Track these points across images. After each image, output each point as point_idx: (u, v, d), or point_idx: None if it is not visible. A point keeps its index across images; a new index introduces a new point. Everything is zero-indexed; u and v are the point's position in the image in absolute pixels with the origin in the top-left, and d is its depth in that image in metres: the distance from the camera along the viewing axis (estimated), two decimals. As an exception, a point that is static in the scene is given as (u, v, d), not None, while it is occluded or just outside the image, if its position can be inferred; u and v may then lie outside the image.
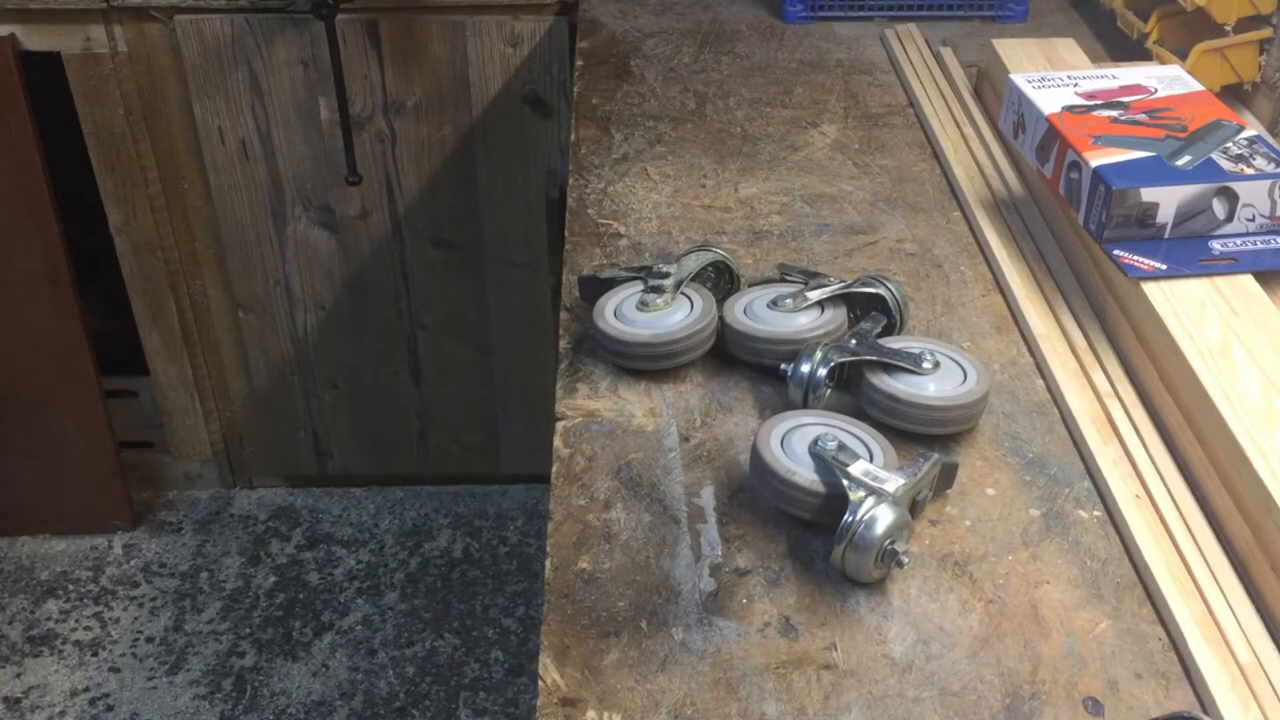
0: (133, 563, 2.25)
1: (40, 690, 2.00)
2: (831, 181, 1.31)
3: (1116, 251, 1.01)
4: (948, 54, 1.56)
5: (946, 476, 0.88)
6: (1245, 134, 1.09)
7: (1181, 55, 1.38)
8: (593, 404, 0.98)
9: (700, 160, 1.35)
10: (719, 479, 0.91)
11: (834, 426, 0.89)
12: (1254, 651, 0.76)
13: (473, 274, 2.13)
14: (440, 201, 2.05)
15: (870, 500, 0.79)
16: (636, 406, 0.98)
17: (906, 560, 0.79)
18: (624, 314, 1.01)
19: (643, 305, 1.01)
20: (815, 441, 0.85)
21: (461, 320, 2.18)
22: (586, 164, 1.34)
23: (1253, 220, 1.03)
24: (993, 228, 1.20)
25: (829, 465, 0.83)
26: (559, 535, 0.86)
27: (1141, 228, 1.03)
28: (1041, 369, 1.02)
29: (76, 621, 2.13)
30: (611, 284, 1.05)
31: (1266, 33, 1.35)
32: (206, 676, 2.02)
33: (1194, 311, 0.95)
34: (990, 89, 1.42)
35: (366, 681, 2.02)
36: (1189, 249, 1.02)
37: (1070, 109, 1.15)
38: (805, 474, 0.83)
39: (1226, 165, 1.04)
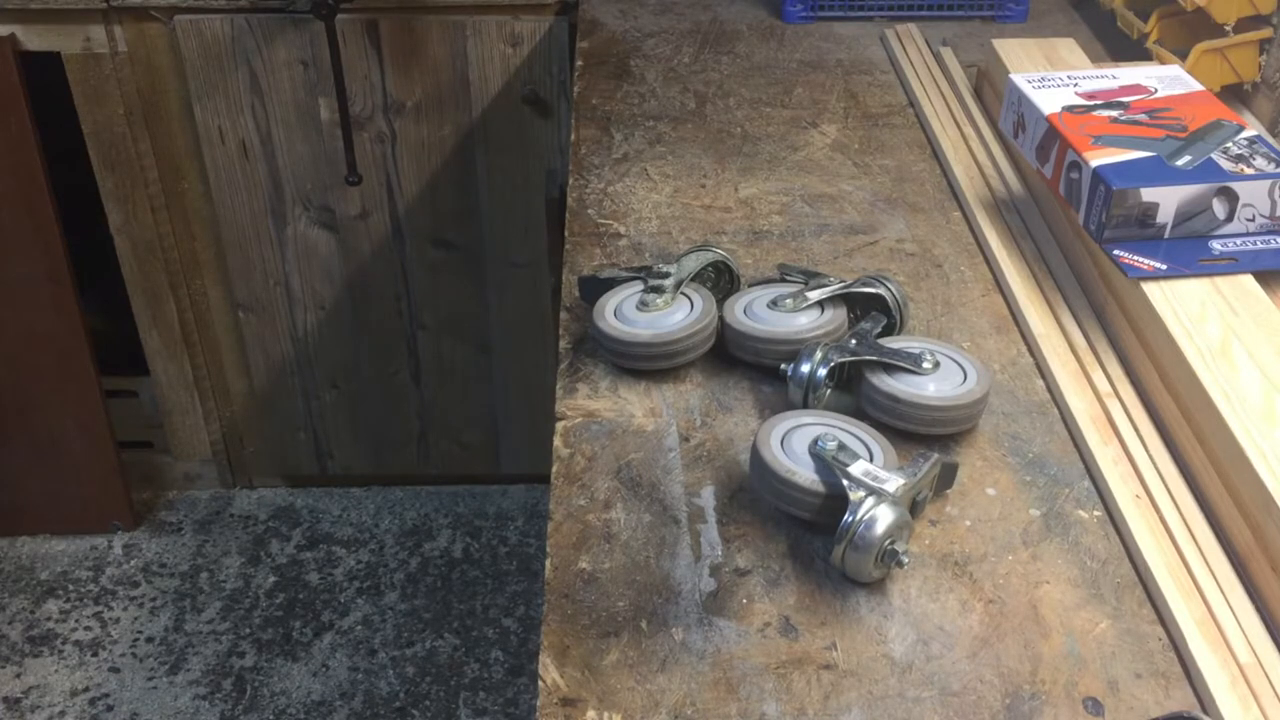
0: (133, 563, 2.25)
1: (40, 690, 2.00)
2: (831, 181, 1.31)
3: (1116, 251, 1.01)
4: (948, 54, 1.56)
5: (946, 476, 0.88)
6: (1245, 134, 1.09)
7: (1181, 55, 1.38)
8: (593, 404, 0.98)
9: (700, 160, 1.35)
10: (719, 479, 0.91)
11: (834, 426, 0.89)
12: (1254, 651, 0.76)
13: (473, 274, 2.13)
14: (440, 201, 2.05)
15: (870, 500, 0.79)
16: (636, 406, 0.98)
17: (906, 560, 0.79)
18: (624, 314, 1.01)
19: (643, 305, 1.01)
20: (815, 441, 0.85)
21: (461, 320, 2.18)
22: (586, 164, 1.34)
23: (1253, 220, 1.03)
24: (993, 228, 1.20)
25: (829, 465, 0.83)
26: (559, 535, 0.86)
27: (1141, 228, 1.03)
28: (1041, 369, 1.02)
29: (76, 621, 2.13)
30: (611, 284, 1.05)
31: (1266, 33, 1.35)
32: (206, 676, 2.02)
33: (1194, 311, 0.95)
34: (990, 89, 1.42)
35: (366, 681, 2.02)
36: (1189, 249, 1.02)
37: (1070, 109, 1.15)
38: (805, 474, 0.83)
39: (1226, 165, 1.04)
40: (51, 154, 1.92)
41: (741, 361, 1.01)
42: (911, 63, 1.55)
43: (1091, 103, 1.16)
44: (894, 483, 0.81)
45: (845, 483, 0.81)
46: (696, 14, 1.74)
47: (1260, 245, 1.02)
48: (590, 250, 1.18)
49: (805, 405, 0.93)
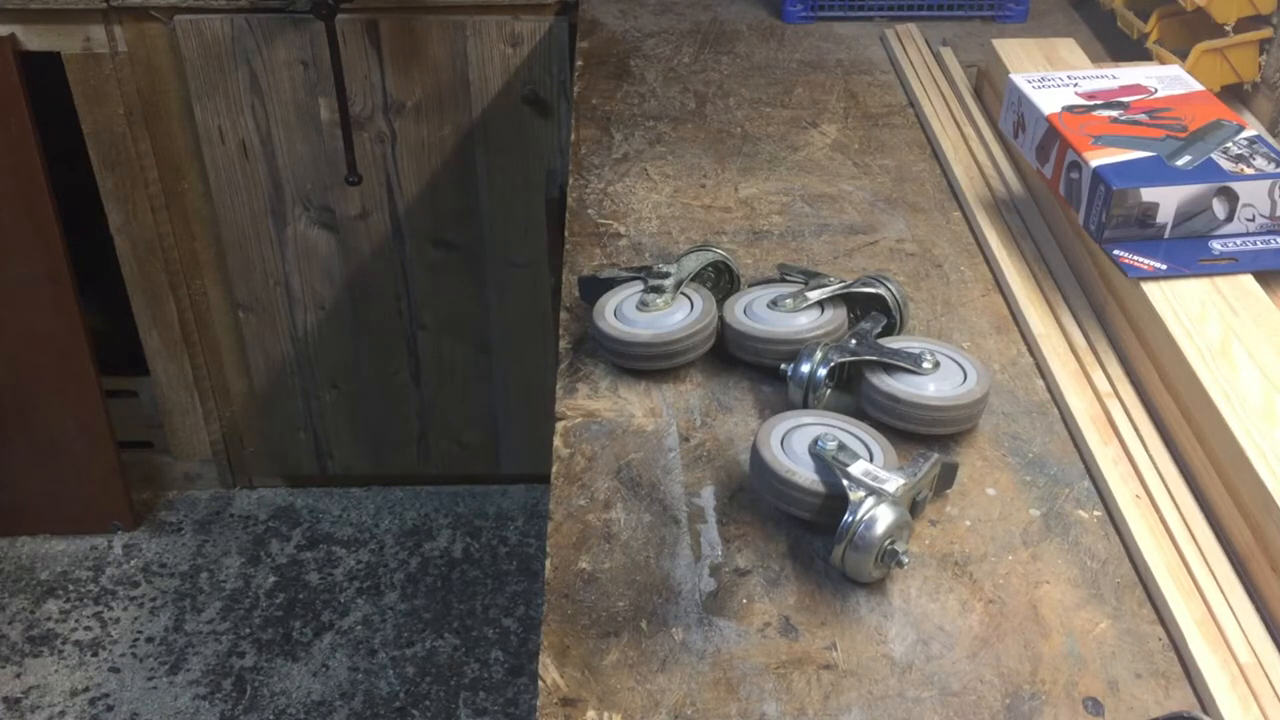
0: (133, 563, 2.25)
1: (40, 690, 2.00)
2: (831, 181, 1.31)
3: (1116, 251, 1.01)
4: (948, 54, 1.56)
5: (946, 476, 0.88)
6: (1245, 134, 1.09)
7: (1181, 55, 1.38)
8: (593, 404, 0.98)
9: (700, 160, 1.35)
10: (719, 479, 0.91)
11: (834, 426, 0.89)
12: (1254, 651, 0.76)
13: (473, 274, 2.13)
14: (440, 201, 2.05)
15: (870, 500, 0.79)
16: (636, 406, 0.98)
17: (906, 560, 0.79)
18: (624, 314, 1.01)
19: (643, 305, 1.01)
20: (815, 441, 0.85)
21: (461, 320, 2.18)
22: (586, 164, 1.34)
23: (1253, 220, 1.03)
24: (993, 228, 1.20)
25: (829, 465, 0.83)
26: (559, 535, 0.86)
27: (1141, 228, 1.03)
28: (1041, 369, 1.02)
29: (76, 621, 2.13)
30: (611, 284, 1.05)
31: (1266, 33, 1.35)
32: (206, 676, 2.02)
33: (1194, 311, 0.95)
34: (990, 89, 1.43)
35: (366, 681, 2.02)
36: (1189, 249, 1.02)
37: (1070, 109, 1.15)
38: (805, 474, 0.83)
39: (1226, 165, 1.04)
40: (51, 154, 1.92)
41: (741, 361, 1.01)
42: (911, 63, 1.55)
43: (1091, 103, 1.16)
44: (894, 483, 0.81)
45: (845, 483, 0.81)
46: (696, 14, 1.74)
47: (1260, 245, 1.02)
48: (590, 250, 1.18)
49: (805, 405, 0.93)
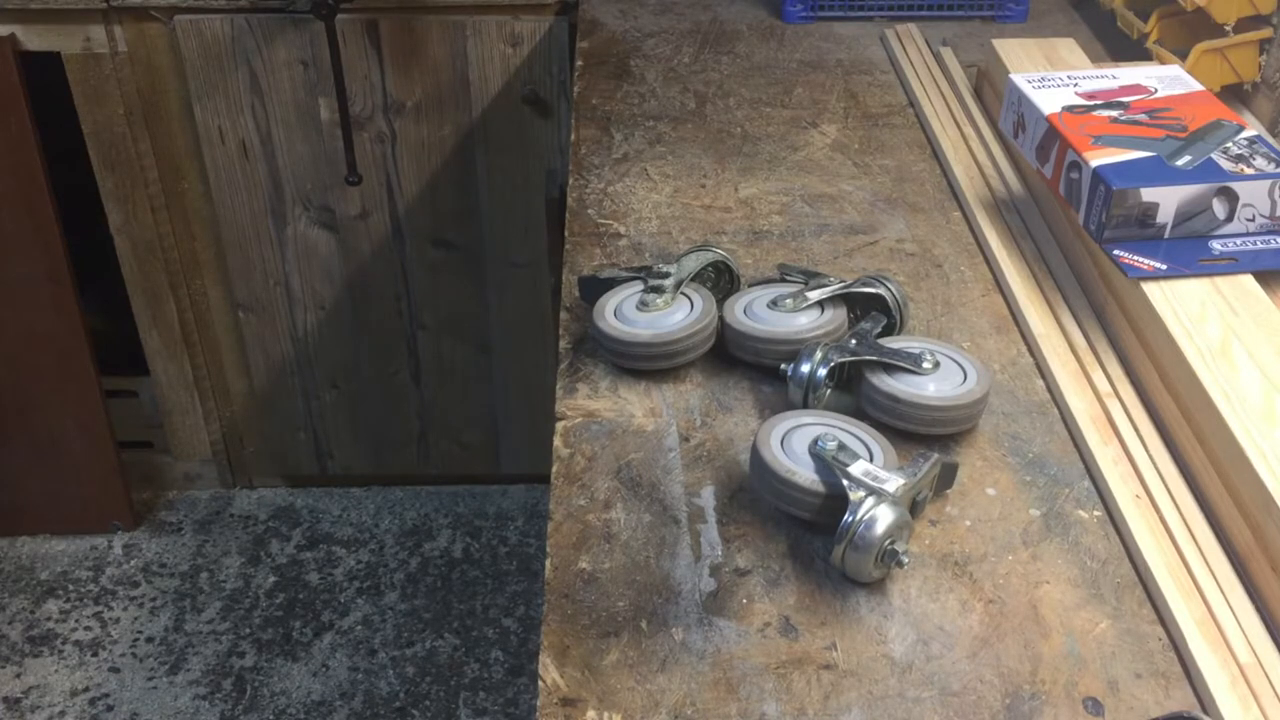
0: (133, 563, 2.25)
1: (40, 690, 2.00)
2: (831, 181, 1.31)
3: (1116, 251, 1.01)
4: (948, 54, 1.56)
5: (946, 476, 0.88)
6: (1245, 134, 1.09)
7: (1181, 55, 1.38)
8: (593, 404, 0.98)
9: (700, 160, 1.35)
10: (719, 479, 0.91)
11: (834, 426, 0.89)
12: (1254, 651, 0.76)
13: (473, 274, 2.13)
14: (440, 201, 2.05)
15: (870, 500, 0.79)
16: (636, 406, 0.98)
17: (906, 560, 0.79)
18: (624, 314, 1.01)
19: (643, 305, 1.01)
20: (815, 441, 0.85)
21: (461, 320, 2.18)
22: (586, 164, 1.34)
23: (1253, 220, 1.03)
24: (993, 228, 1.20)
25: (829, 465, 0.83)
26: (559, 535, 0.86)
27: (1141, 228, 1.03)
28: (1041, 369, 1.02)
29: (76, 621, 2.13)
30: (611, 284, 1.05)
31: (1266, 33, 1.36)
32: (206, 676, 2.02)
33: (1194, 311, 0.95)
34: (990, 89, 1.43)
35: (366, 681, 2.02)
36: (1189, 249, 1.02)
37: (1070, 109, 1.15)
38: (805, 474, 0.83)
39: (1226, 165, 1.04)
40: (51, 154, 1.92)
41: (741, 361, 1.01)
42: (911, 63, 1.55)
43: (1091, 103, 1.16)
44: (894, 483, 0.81)
45: (845, 483, 0.81)
46: (696, 14, 1.74)
47: (1260, 245, 1.02)
48: (590, 250, 1.18)
49: (805, 405, 0.93)
